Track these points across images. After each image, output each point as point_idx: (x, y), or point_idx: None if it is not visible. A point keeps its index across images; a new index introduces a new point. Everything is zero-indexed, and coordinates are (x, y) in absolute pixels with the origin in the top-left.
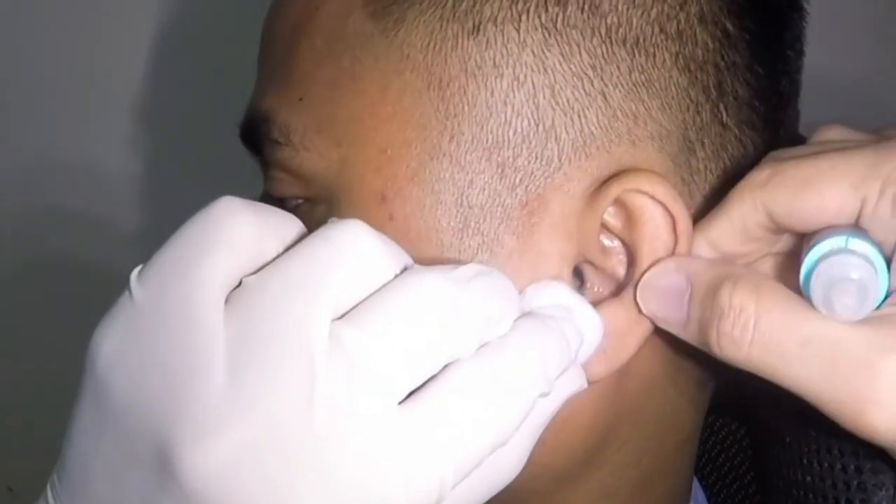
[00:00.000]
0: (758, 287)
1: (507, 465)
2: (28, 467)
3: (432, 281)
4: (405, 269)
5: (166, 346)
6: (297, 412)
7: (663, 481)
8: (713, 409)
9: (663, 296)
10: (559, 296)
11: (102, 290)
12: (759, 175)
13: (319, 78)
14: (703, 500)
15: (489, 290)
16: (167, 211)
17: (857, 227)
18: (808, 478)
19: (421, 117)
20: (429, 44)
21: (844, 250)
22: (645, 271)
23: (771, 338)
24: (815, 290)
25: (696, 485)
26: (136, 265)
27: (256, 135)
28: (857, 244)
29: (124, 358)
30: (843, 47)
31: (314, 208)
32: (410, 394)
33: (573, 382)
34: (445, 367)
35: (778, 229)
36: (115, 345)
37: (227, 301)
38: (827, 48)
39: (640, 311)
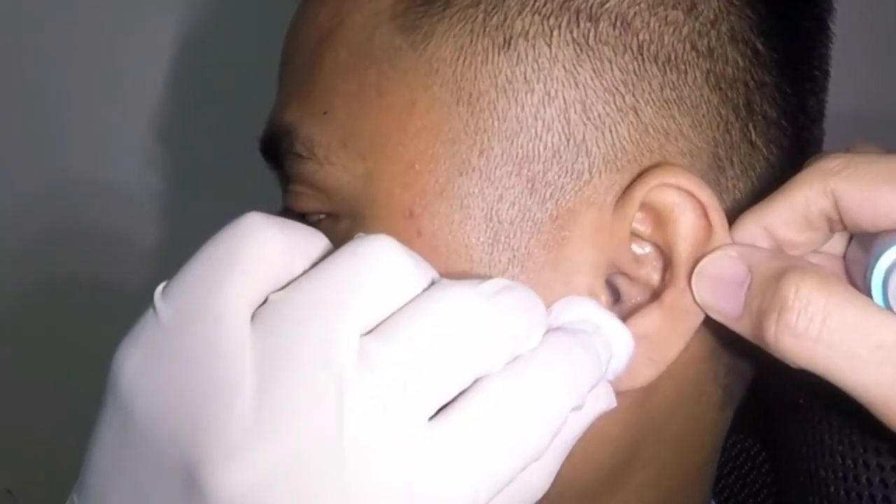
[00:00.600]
0: (827, 280)
1: (536, 483)
2: (27, 470)
3: (460, 294)
4: (433, 284)
5: (192, 365)
6: (326, 433)
7: (683, 501)
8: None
9: (720, 284)
10: (586, 311)
11: (121, 305)
12: (832, 162)
13: (344, 91)
14: None
15: (516, 304)
16: (186, 227)
17: None
18: (832, 488)
19: (450, 132)
20: (458, 58)
21: None
22: (695, 265)
23: (841, 336)
24: None
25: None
26: (156, 281)
27: (278, 148)
28: None
29: (149, 377)
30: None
31: (337, 223)
32: (441, 409)
33: (602, 400)
34: (475, 381)
35: (838, 222)
36: (139, 364)
37: (253, 318)
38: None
39: (679, 311)
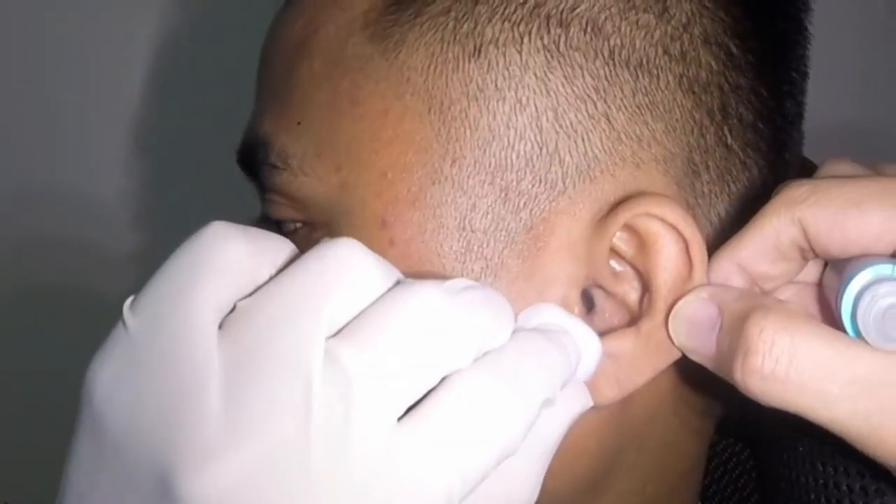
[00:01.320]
0: (792, 319)
1: (517, 495)
2: (24, 481)
3: (425, 292)
4: (398, 284)
5: (162, 375)
6: (295, 438)
7: None
8: (717, 430)
9: (694, 326)
10: (555, 316)
11: (96, 313)
12: (798, 191)
13: (318, 101)
14: None
15: (482, 301)
16: (162, 234)
17: (893, 258)
18: (822, 500)
19: (422, 141)
20: (429, 66)
21: (892, 279)
22: (673, 302)
23: (810, 375)
24: (866, 319)
25: None
26: (131, 289)
27: (254, 159)
28: None
29: (120, 389)
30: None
31: (312, 232)
32: (410, 408)
33: (578, 400)
34: (444, 379)
35: (809, 251)
36: (110, 377)
37: (221, 326)
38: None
39: (655, 343)
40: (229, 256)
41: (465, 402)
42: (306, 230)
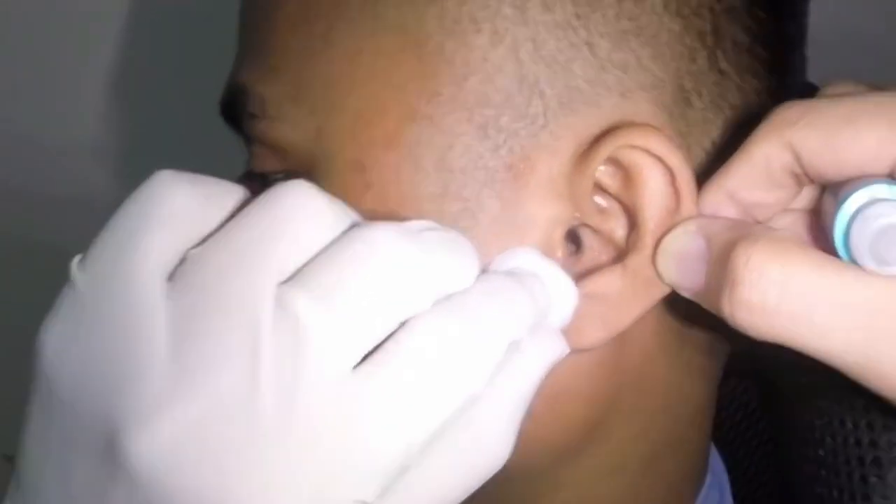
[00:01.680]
0: (781, 246)
1: (489, 446)
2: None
3: (381, 234)
4: (353, 226)
5: (109, 330)
6: (242, 387)
7: (675, 455)
8: (734, 373)
9: (681, 260)
10: (527, 261)
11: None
12: (787, 112)
13: (294, 46)
14: (721, 472)
15: (443, 243)
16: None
17: (891, 178)
18: (821, 451)
19: (397, 79)
20: (402, 2)
21: (888, 199)
22: (661, 236)
23: (802, 304)
24: (861, 241)
25: (715, 457)
26: None
27: (235, 109)
28: None
29: (69, 349)
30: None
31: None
32: (369, 355)
33: (552, 347)
34: (402, 323)
35: (803, 176)
36: (59, 336)
37: (172, 277)
38: None
39: (643, 279)
40: (175, 205)
41: (423, 345)
42: (289, 180)
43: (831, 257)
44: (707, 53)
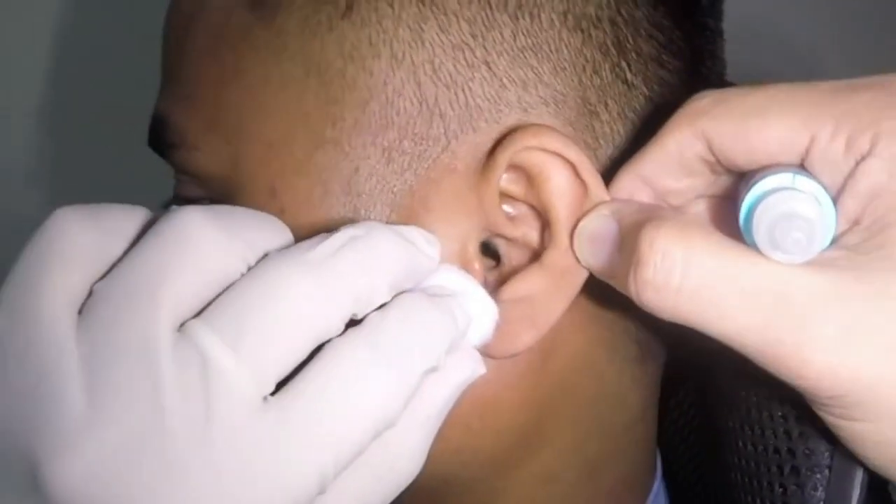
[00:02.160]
0: (685, 229)
1: (401, 464)
2: None
3: (286, 265)
4: (265, 253)
5: (21, 370)
6: (149, 422)
7: (614, 464)
8: (677, 382)
9: (595, 242)
10: (446, 279)
11: None
12: (699, 102)
13: (207, 76)
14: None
15: (357, 264)
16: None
17: (800, 168)
18: (743, 460)
19: (303, 106)
20: (304, 29)
21: (791, 188)
22: (573, 226)
23: (703, 285)
24: (760, 227)
25: (660, 464)
26: None
27: (159, 139)
28: (804, 183)
29: None
30: None
31: None
32: (283, 385)
33: (468, 368)
34: (317, 348)
35: (716, 164)
36: None
37: (81, 311)
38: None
39: (561, 271)
40: (75, 241)
41: (335, 374)
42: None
43: (735, 242)
44: (610, 66)
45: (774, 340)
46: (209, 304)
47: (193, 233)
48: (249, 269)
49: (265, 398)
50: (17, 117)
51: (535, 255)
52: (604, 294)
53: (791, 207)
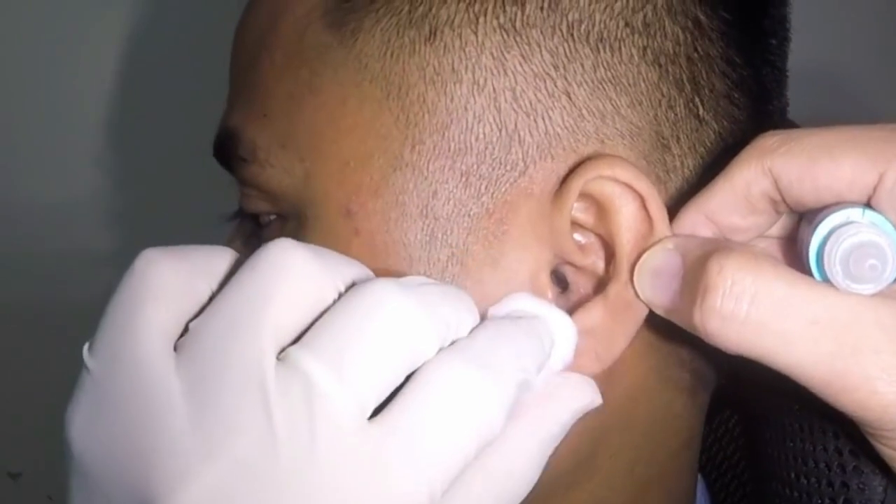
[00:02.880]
0: (756, 258)
1: (517, 485)
2: (29, 454)
3: (382, 290)
4: (353, 282)
5: (126, 409)
6: (260, 448)
7: (660, 489)
8: (728, 404)
9: (658, 278)
10: (525, 304)
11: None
12: (768, 140)
13: (280, 93)
14: (706, 502)
15: (441, 294)
16: (142, 235)
17: (867, 205)
18: (795, 492)
19: (381, 128)
20: (386, 52)
21: (860, 222)
22: (635, 260)
23: (772, 315)
24: (831, 258)
25: (701, 488)
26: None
27: (227, 153)
28: (873, 217)
29: (92, 431)
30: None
31: (285, 224)
32: (382, 407)
33: (587, 396)
34: (413, 373)
35: (781, 202)
36: (82, 421)
37: (178, 349)
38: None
39: (623, 305)
40: (162, 282)
41: (433, 388)
42: (279, 222)
43: (803, 274)
44: (685, 101)
45: (842, 371)
46: (307, 330)
47: (288, 262)
48: (341, 296)
49: (368, 420)
50: (83, 148)
51: (601, 285)
52: (663, 325)
53: (866, 237)
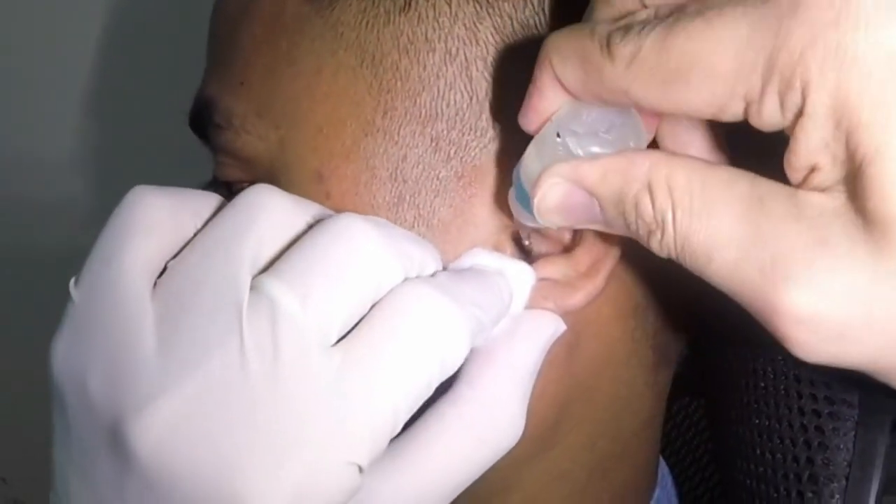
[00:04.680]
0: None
1: (503, 426)
2: (21, 458)
3: (349, 220)
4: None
5: (103, 337)
6: (230, 368)
7: (621, 465)
8: (687, 390)
9: (566, 209)
10: (483, 260)
11: (54, 274)
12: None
13: (259, 63)
14: (671, 486)
15: (408, 235)
16: (117, 197)
17: None
18: (760, 467)
19: (355, 95)
20: (361, 21)
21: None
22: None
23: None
24: None
25: (664, 469)
26: (84, 250)
27: (202, 120)
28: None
29: (70, 358)
30: None
31: None
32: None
33: (550, 325)
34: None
35: None
36: (63, 350)
37: (156, 284)
38: None
39: (586, 268)
40: (150, 216)
41: (400, 312)
42: None
43: None
44: None
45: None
46: (275, 258)
47: (264, 199)
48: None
49: (333, 344)
50: (63, 103)
51: (563, 248)
52: (625, 298)
53: None
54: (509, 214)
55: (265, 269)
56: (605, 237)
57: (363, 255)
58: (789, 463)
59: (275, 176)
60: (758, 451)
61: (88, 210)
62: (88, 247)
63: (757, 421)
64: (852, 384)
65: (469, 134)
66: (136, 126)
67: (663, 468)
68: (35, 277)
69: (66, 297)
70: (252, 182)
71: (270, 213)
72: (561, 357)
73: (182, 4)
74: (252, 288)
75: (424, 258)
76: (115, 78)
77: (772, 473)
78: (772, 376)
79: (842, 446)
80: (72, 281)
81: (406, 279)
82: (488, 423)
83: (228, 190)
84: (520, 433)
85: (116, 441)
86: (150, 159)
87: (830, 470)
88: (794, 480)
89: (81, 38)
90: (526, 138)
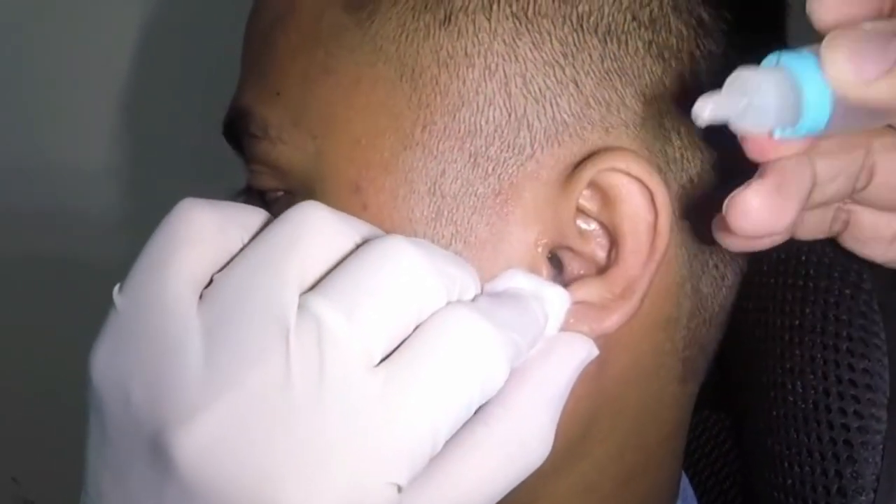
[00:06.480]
0: None
1: (532, 445)
2: (32, 458)
3: (394, 243)
4: (368, 238)
5: (148, 344)
6: (274, 384)
7: (647, 477)
8: (706, 404)
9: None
10: (519, 282)
11: (84, 282)
12: None
13: (295, 72)
14: (692, 497)
15: (450, 257)
16: (151, 206)
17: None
18: (789, 480)
19: (394, 107)
20: (401, 35)
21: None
22: (639, 250)
23: None
24: None
25: (685, 482)
26: (123, 257)
27: (237, 130)
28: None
29: (113, 366)
30: None
31: (293, 200)
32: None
33: (583, 350)
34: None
35: None
36: (105, 357)
37: (202, 296)
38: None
39: (621, 290)
40: (199, 228)
41: (443, 335)
42: (287, 198)
43: None
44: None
45: None
46: (322, 277)
47: (311, 216)
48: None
49: (377, 364)
50: (98, 113)
51: (599, 272)
52: (656, 312)
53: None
54: (544, 232)
55: (311, 287)
56: (640, 257)
57: (409, 277)
58: (818, 476)
59: (310, 186)
60: (786, 464)
61: (124, 218)
62: (123, 255)
63: (786, 434)
64: (881, 400)
65: (507, 151)
66: (171, 135)
67: (684, 480)
68: (68, 285)
69: (101, 304)
70: (287, 191)
71: (318, 231)
72: (591, 373)
73: (217, 14)
74: (299, 306)
75: (465, 280)
76: (150, 87)
77: (800, 486)
78: (801, 390)
79: (870, 460)
80: (116, 288)
81: (448, 303)
82: (519, 442)
83: (262, 199)
84: (548, 451)
85: (158, 449)
86: (184, 168)
87: (859, 483)
88: (823, 493)
89: (117, 47)
90: (565, 152)
